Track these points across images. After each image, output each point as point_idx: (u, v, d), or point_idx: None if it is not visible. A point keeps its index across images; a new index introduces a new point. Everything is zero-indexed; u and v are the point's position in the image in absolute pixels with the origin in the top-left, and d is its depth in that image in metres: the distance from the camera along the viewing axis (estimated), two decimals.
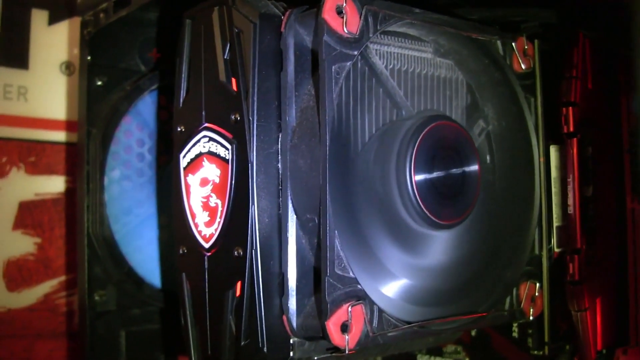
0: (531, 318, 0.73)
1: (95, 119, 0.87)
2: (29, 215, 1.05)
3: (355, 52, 0.59)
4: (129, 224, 0.90)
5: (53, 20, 1.07)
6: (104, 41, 0.87)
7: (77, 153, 0.89)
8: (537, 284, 0.73)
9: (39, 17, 1.07)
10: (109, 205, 0.88)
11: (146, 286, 0.90)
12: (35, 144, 1.05)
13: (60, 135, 1.07)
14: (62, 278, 1.07)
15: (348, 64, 0.58)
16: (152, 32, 0.90)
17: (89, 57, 0.87)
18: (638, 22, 0.58)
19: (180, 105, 0.68)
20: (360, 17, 0.59)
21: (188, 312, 0.66)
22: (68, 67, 1.07)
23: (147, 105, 0.91)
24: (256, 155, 0.59)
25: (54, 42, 1.07)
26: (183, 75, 0.68)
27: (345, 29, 0.58)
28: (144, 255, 0.91)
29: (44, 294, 1.05)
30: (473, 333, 0.88)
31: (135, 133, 0.90)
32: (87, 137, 0.86)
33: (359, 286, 0.58)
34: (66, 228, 1.06)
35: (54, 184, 1.07)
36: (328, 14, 0.57)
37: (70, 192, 1.05)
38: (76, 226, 0.88)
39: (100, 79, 0.88)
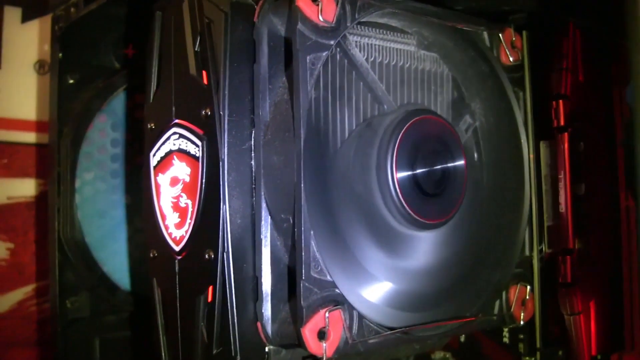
0: (522, 323, 0.71)
1: (66, 118, 0.84)
2: (1, 219, 1.02)
3: (332, 42, 0.56)
4: (103, 227, 0.87)
5: (26, 18, 1.04)
6: (76, 37, 0.85)
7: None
8: (528, 287, 0.70)
9: (11, 15, 1.04)
10: (82, 207, 0.85)
11: (121, 292, 0.88)
12: (8, 145, 1.03)
13: (33, 137, 1.04)
14: (36, 284, 1.03)
15: (324, 54, 0.55)
16: (126, 28, 0.87)
17: (60, 54, 0.84)
18: (632, 9, 0.55)
19: (151, 100, 0.65)
20: (336, 5, 0.56)
21: (159, 319, 0.64)
22: (42, 66, 1.03)
23: (121, 103, 0.88)
24: (227, 152, 0.56)
25: (27, 41, 1.04)
26: (153, 70, 0.65)
27: (320, 17, 0.55)
28: (120, 260, 0.88)
29: (18, 300, 1.02)
30: (462, 339, 0.86)
31: (109, 132, 0.87)
32: (57, 136, 0.83)
33: (337, 290, 0.55)
34: (40, 232, 1.03)
35: (28, 187, 1.04)
36: (302, 2, 0.54)
37: (43, 195, 1.02)
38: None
39: (72, 77, 0.85)
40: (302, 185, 0.53)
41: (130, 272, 0.88)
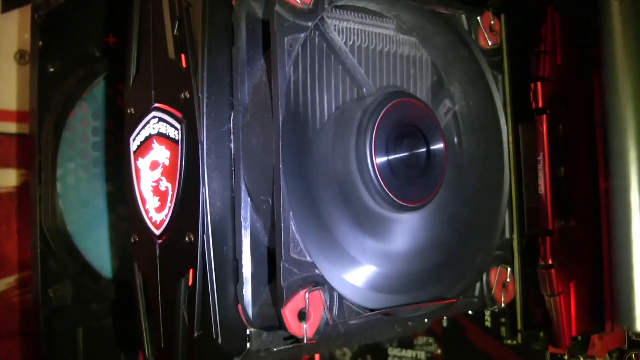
0: (503, 305, 0.71)
1: (47, 106, 0.84)
2: None
3: (310, 24, 0.56)
4: (86, 215, 0.87)
5: (6, 7, 1.03)
6: (56, 25, 0.84)
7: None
8: (509, 269, 0.71)
9: None
10: (64, 196, 0.84)
11: (104, 280, 0.87)
12: None
13: (14, 127, 1.03)
14: (19, 275, 1.03)
15: (302, 35, 0.55)
16: (106, 16, 0.86)
17: (40, 42, 0.83)
18: None
19: (131, 85, 0.65)
20: None
21: (141, 304, 0.63)
22: (22, 56, 1.03)
23: (103, 92, 0.87)
24: (207, 135, 0.56)
25: (7, 31, 1.03)
26: (133, 55, 0.65)
27: (298, 1, 0.55)
28: (102, 248, 0.87)
29: (1, 291, 1.02)
30: (445, 323, 0.86)
31: (90, 121, 0.87)
32: (38, 125, 0.83)
33: (317, 271, 0.55)
34: (23, 223, 1.02)
35: (10, 177, 1.03)
36: None
37: (25, 186, 1.02)
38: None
39: (52, 65, 0.84)
40: (280, 166, 0.53)
41: (113, 260, 0.87)
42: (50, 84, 0.84)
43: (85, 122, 0.87)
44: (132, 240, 0.64)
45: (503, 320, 0.79)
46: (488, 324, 0.81)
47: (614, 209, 0.65)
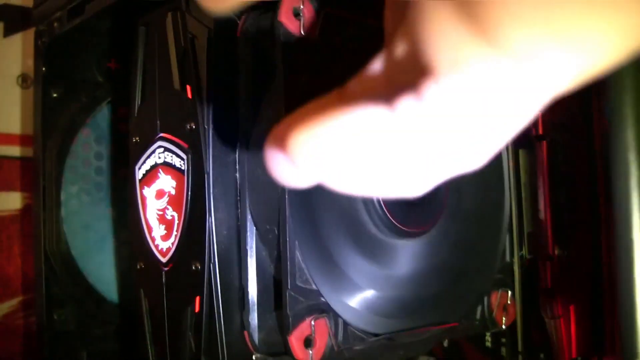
0: (504, 327, 0.72)
1: (51, 131, 0.84)
2: None
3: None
4: (89, 239, 0.87)
5: (8, 32, 1.04)
6: (60, 51, 0.85)
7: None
8: (509, 292, 0.71)
9: None
10: (67, 220, 0.85)
11: (107, 304, 0.87)
12: None
13: (18, 150, 1.04)
14: (22, 297, 1.03)
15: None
16: (109, 42, 0.87)
17: (43, 68, 0.84)
18: None
19: (135, 115, 0.65)
20: (318, 19, 0.57)
21: (147, 330, 0.64)
22: (25, 80, 1.04)
23: (105, 117, 0.88)
24: (212, 165, 0.57)
25: (9, 55, 1.04)
26: (138, 84, 0.66)
27: (302, 32, 0.56)
28: (106, 272, 0.88)
29: (3, 314, 1.02)
30: (445, 343, 0.87)
31: (93, 146, 0.88)
32: (42, 150, 0.83)
33: (322, 299, 0.56)
34: (25, 246, 1.03)
35: (13, 201, 1.03)
36: (285, 16, 0.55)
37: (28, 209, 1.02)
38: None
39: (55, 91, 0.85)
40: (286, 197, 0.54)
41: (116, 284, 0.88)
42: (53, 109, 0.85)
43: (88, 147, 0.87)
44: (138, 266, 0.65)
45: (504, 340, 0.80)
46: (489, 344, 0.82)
47: (616, 235, 0.66)
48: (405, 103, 0.25)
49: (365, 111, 0.26)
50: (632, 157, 0.63)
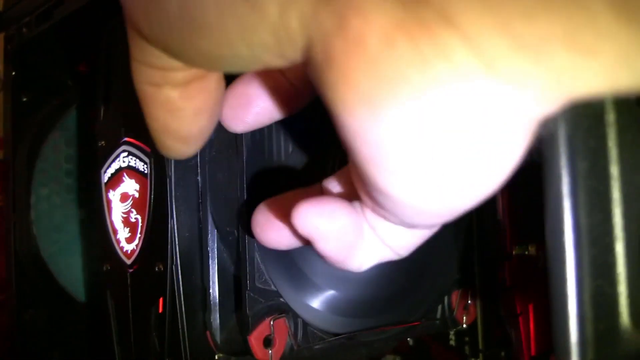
0: (465, 326, 0.73)
1: (21, 135, 0.85)
2: None
3: None
4: (60, 241, 0.88)
5: None
6: (29, 56, 0.85)
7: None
8: (470, 291, 0.73)
9: None
10: (37, 222, 0.86)
11: (78, 304, 0.88)
12: None
13: None
14: None
15: None
16: (79, 46, 0.88)
17: (13, 73, 0.85)
18: None
19: (102, 118, 0.66)
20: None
21: (114, 330, 0.65)
22: None
23: (75, 120, 0.89)
24: (174, 169, 0.58)
25: None
26: (104, 88, 0.67)
27: None
28: (76, 273, 0.89)
29: None
30: (411, 342, 0.88)
31: (63, 149, 0.89)
32: (13, 153, 0.84)
33: (281, 299, 0.57)
34: None
35: None
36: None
37: (1, 211, 1.03)
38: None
39: (25, 95, 0.86)
40: (244, 200, 0.55)
41: (86, 285, 0.89)
42: (23, 113, 0.86)
43: (58, 150, 0.88)
44: (105, 268, 0.66)
45: (467, 339, 0.81)
46: (452, 342, 0.83)
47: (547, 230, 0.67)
48: None
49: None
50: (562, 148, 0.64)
